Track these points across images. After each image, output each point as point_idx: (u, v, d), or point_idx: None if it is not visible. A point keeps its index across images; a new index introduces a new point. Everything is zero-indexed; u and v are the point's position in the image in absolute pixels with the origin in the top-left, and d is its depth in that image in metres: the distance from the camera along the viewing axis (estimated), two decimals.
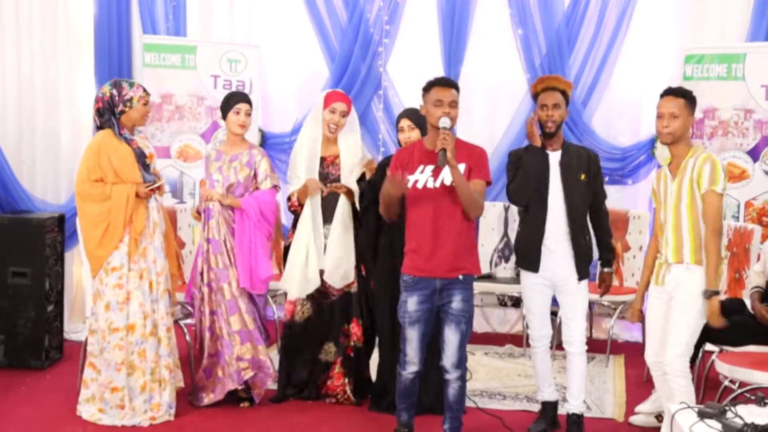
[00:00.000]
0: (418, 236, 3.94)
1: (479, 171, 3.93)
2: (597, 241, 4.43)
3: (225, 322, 4.66)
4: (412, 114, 4.61)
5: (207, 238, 4.70)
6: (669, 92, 4.07)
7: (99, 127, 4.51)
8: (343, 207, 4.74)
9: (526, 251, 4.34)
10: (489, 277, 6.24)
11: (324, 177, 4.77)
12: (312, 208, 4.74)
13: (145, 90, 4.57)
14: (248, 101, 4.75)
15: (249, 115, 4.73)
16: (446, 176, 3.86)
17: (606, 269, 4.49)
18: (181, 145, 6.38)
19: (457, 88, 3.93)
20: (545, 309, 4.41)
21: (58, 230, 5.58)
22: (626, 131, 6.53)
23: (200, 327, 4.75)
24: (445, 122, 3.83)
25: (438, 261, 3.89)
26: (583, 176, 4.30)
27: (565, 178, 4.27)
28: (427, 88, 3.94)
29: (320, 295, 4.79)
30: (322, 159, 4.81)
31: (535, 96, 4.35)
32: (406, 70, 6.61)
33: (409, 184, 3.92)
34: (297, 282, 4.75)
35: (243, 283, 4.64)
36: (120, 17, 6.40)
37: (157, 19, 6.49)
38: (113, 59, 6.32)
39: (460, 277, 3.93)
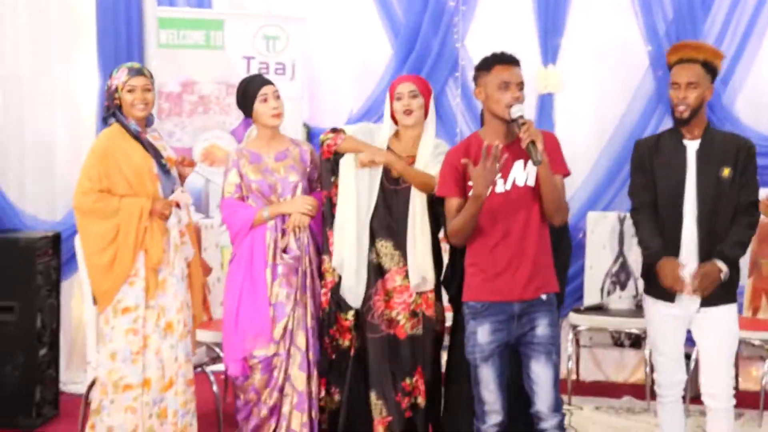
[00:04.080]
0: (487, 252, 3.57)
1: (555, 162, 3.50)
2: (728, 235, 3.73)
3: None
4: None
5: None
6: None
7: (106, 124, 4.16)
8: (417, 200, 4.12)
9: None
10: (600, 309, 5.48)
11: (394, 183, 4.18)
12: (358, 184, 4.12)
13: (130, 71, 4.03)
14: (270, 82, 4.29)
15: (279, 97, 4.22)
16: (518, 176, 3.52)
17: (718, 261, 3.68)
18: (207, 146, 5.80)
19: (520, 67, 3.58)
20: (678, 348, 3.90)
21: (53, 253, 5.06)
22: None
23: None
24: (518, 110, 3.46)
25: (515, 280, 3.52)
26: (726, 171, 3.75)
27: (700, 175, 3.75)
28: (485, 66, 3.57)
29: (369, 327, 4.10)
30: None
31: (670, 68, 3.83)
32: (490, 46, 5.68)
33: (486, 191, 3.47)
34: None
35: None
36: None
37: None
38: (120, 41, 5.73)
39: (543, 296, 3.56)
